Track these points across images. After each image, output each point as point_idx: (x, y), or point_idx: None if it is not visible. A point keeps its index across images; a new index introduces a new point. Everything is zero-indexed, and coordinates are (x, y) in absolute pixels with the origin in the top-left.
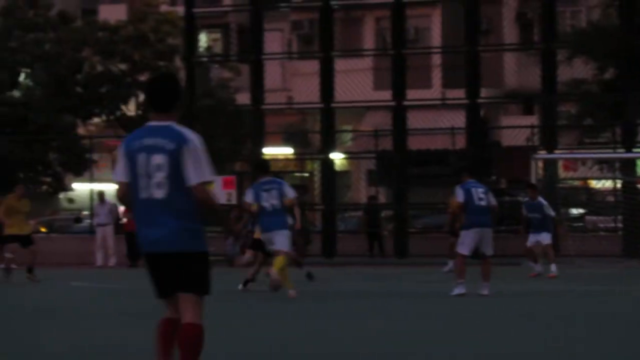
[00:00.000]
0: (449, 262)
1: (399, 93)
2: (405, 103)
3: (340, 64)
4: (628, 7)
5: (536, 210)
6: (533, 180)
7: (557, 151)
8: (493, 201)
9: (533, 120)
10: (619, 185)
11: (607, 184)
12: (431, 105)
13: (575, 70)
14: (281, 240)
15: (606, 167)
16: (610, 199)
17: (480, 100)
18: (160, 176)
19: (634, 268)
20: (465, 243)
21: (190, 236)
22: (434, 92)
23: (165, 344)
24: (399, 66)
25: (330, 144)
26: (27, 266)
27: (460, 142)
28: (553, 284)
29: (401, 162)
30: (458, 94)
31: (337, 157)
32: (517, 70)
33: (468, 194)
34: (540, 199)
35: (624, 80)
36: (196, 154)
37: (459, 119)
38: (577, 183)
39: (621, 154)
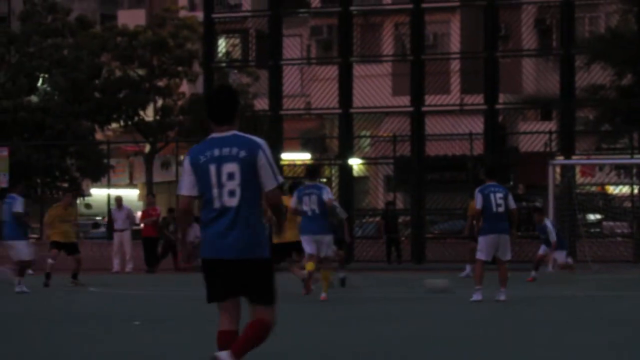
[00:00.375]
0: (467, 267)
1: (417, 99)
2: (424, 109)
3: (358, 70)
4: None
5: (542, 232)
6: (550, 186)
7: (574, 157)
8: (512, 205)
9: (551, 125)
10: (636, 191)
11: (625, 189)
12: (449, 111)
13: (594, 76)
14: (326, 247)
15: (623, 173)
16: (628, 204)
17: (498, 106)
18: (232, 184)
19: None
20: (483, 249)
21: (260, 243)
22: (452, 97)
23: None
24: (417, 72)
25: (348, 150)
26: (72, 272)
27: (478, 148)
28: (569, 289)
29: (419, 168)
30: (476, 99)
31: (355, 163)
32: (535, 76)
33: (487, 199)
34: (546, 222)
35: None
36: (269, 159)
37: (477, 125)
38: (594, 189)
39: (638, 159)
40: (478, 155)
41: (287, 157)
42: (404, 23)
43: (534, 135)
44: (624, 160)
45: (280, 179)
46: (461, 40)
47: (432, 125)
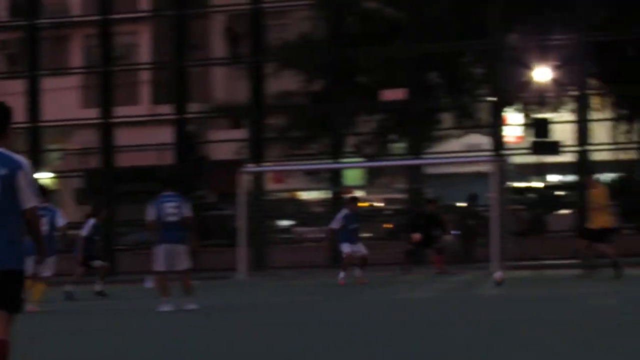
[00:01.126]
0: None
1: (106, 110)
2: (114, 120)
3: (48, 83)
4: (335, 20)
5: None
6: (241, 193)
7: (266, 164)
8: (187, 213)
9: (242, 133)
10: (327, 195)
11: (316, 194)
12: (140, 122)
13: (284, 82)
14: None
15: (315, 178)
16: (319, 209)
17: (188, 116)
18: None
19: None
20: (160, 259)
21: (17, 256)
22: (143, 108)
23: None
24: (107, 84)
25: (37, 164)
26: None
27: (170, 158)
28: (262, 296)
29: (109, 180)
30: (167, 109)
31: (46, 176)
32: (225, 85)
33: (158, 210)
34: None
35: (331, 92)
36: (28, 178)
37: (168, 135)
38: (287, 195)
39: (329, 164)
40: (170, 165)
41: None
42: (92, 35)
43: (225, 143)
44: (315, 165)
45: (37, 199)
46: (151, 50)
47: (123, 137)
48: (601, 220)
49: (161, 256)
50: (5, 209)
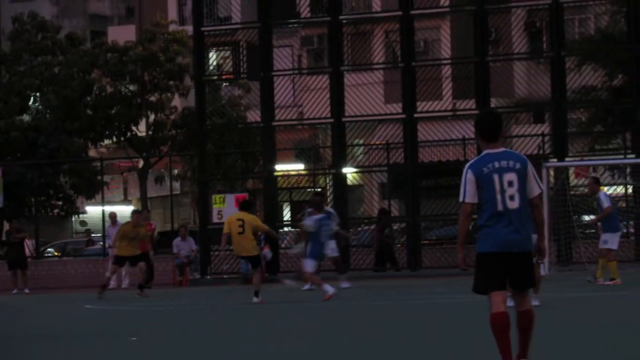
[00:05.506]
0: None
1: (409, 105)
2: (416, 115)
3: (350, 78)
4: (636, 14)
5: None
6: (545, 188)
7: (568, 158)
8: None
9: (544, 128)
10: (630, 190)
11: (619, 190)
12: (442, 117)
13: (585, 77)
14: None
15: (617, 173)
16: (622, 204)
17: None
18: (512, 190)
19: None
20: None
21: (530, 238)
22: (445, 103)
23: (508, 335)
24: (408, 79)
25: (341, 159)
26: (138, 283)
27: (472, 153)
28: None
29: (413, 175)
30: (468, 104)
31: (349, 172)
32: (526, 79)
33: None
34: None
35: (632, 86)
36: (533, 171)
37: (469, 130)
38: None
39: (631, 159)
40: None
41: (280, 168)
42: (393, 30)
43: (527, 138)
44: (617, 160)
45: (543, 187)
46: (451, 45)
47: (425, 132)
48: None
49: None
50: (522, 197)
